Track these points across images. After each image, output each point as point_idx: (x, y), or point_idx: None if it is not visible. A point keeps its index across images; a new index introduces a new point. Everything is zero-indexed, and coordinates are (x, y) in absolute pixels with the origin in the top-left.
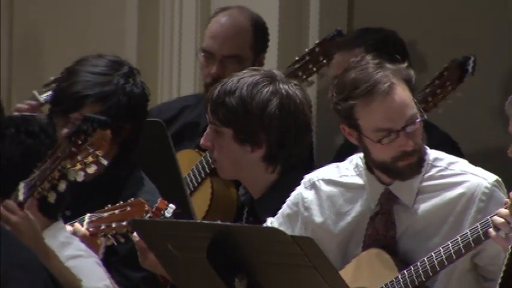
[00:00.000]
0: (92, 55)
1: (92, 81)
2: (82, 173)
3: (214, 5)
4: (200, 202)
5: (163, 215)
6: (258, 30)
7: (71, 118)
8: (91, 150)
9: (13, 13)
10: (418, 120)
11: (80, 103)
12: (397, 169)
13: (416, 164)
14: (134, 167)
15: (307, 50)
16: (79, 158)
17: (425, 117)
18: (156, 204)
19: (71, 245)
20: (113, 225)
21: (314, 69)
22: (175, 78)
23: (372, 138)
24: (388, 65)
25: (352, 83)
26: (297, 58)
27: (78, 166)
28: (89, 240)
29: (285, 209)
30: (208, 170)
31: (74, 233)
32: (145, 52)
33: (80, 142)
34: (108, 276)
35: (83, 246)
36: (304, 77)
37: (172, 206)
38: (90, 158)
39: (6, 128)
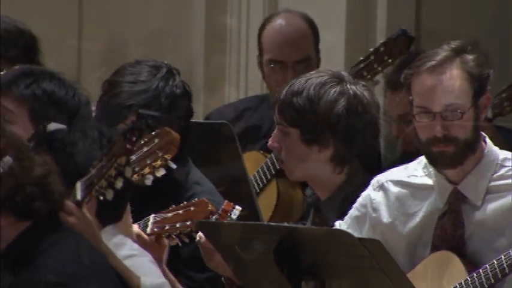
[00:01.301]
0: (129, 62)
1: (133, 90)
2: (151, 177)
3: (282, 4)
4: (266, 204)
5: (229, 216)
6: (314, 29)
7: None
8: (160, 154)
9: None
10: (460, 112)
11: (124, 114)
12: (431, 154)
13: (452, 156)
14: (190, 167)
15: (371, 49)
16: (148, 161)
17: (479, 121)
18: (222, 206)
19: (124, 245)
20: (177, 225)
21: (379, 68)
22: (243, 79)
23: (413, 112)
24: (465, 54)
25: (420, 56)
26: (361, 58)
27: (147, 170)
28: (144, 241)
29: (353, 211)
30: (273, 172)
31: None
32: (213, 53)
33: (134, 139)
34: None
35: (136, 246)
36: (369, 76)
37: (238, 207)
38: (159, 162)
39: (90, 130)
